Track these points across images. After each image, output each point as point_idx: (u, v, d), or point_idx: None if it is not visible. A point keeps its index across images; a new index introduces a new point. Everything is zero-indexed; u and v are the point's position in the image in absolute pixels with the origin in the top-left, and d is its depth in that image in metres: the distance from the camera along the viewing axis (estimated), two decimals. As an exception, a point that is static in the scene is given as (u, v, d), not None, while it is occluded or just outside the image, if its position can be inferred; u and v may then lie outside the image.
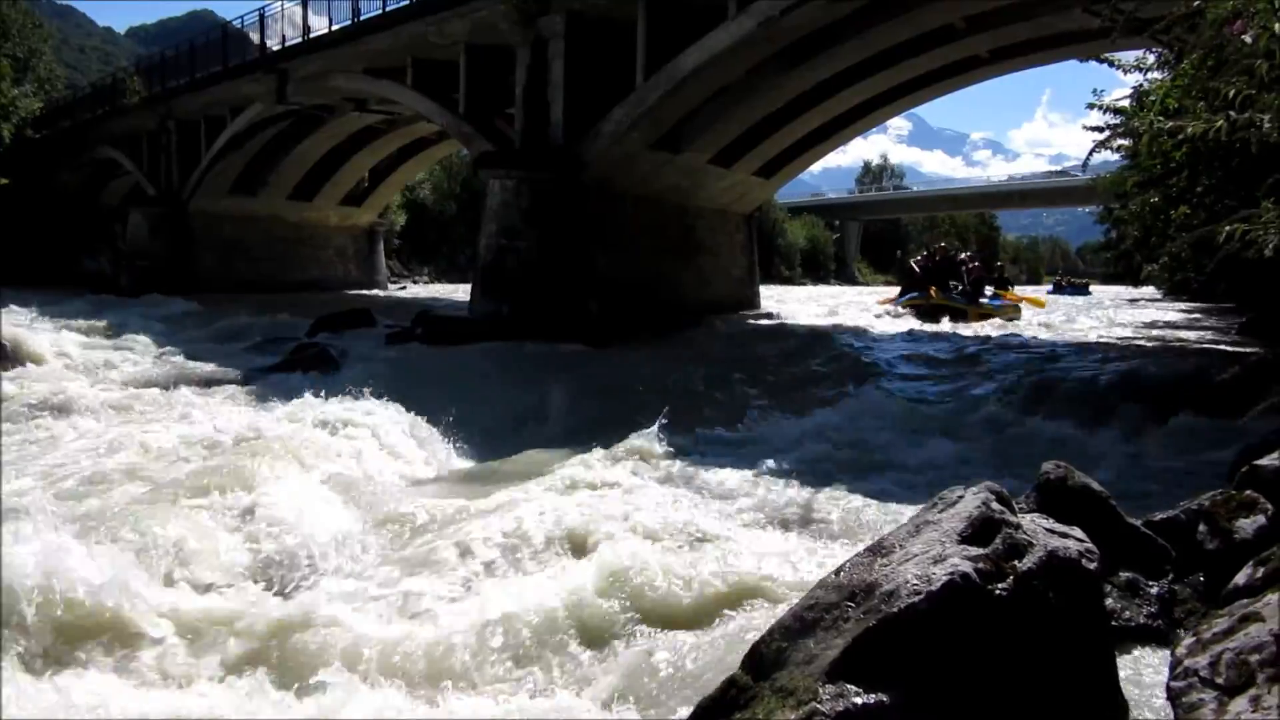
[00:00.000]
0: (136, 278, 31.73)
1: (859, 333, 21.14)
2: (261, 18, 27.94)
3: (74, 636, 3.92)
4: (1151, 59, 13.27)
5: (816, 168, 32.70)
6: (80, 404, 10.12)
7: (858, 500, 6.50)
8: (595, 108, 18.06)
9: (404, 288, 43.05)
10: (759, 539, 5.59)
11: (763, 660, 2.74)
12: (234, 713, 3.51)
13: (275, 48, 27.29)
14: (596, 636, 4.30)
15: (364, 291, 35.42)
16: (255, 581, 4.98)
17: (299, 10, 26.23)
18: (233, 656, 4.03)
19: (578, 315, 16.97)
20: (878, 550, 2.92)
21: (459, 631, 4.31)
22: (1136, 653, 3.18)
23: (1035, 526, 2.85)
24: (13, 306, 22.57)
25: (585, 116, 18.21)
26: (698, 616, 4.35)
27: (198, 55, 31.42)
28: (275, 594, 4.84)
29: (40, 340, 14.52)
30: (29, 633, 3.78)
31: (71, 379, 11.54)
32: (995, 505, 2.87)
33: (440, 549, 5.92)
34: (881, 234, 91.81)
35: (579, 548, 5.72)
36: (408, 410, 9.03)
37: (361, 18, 22.84)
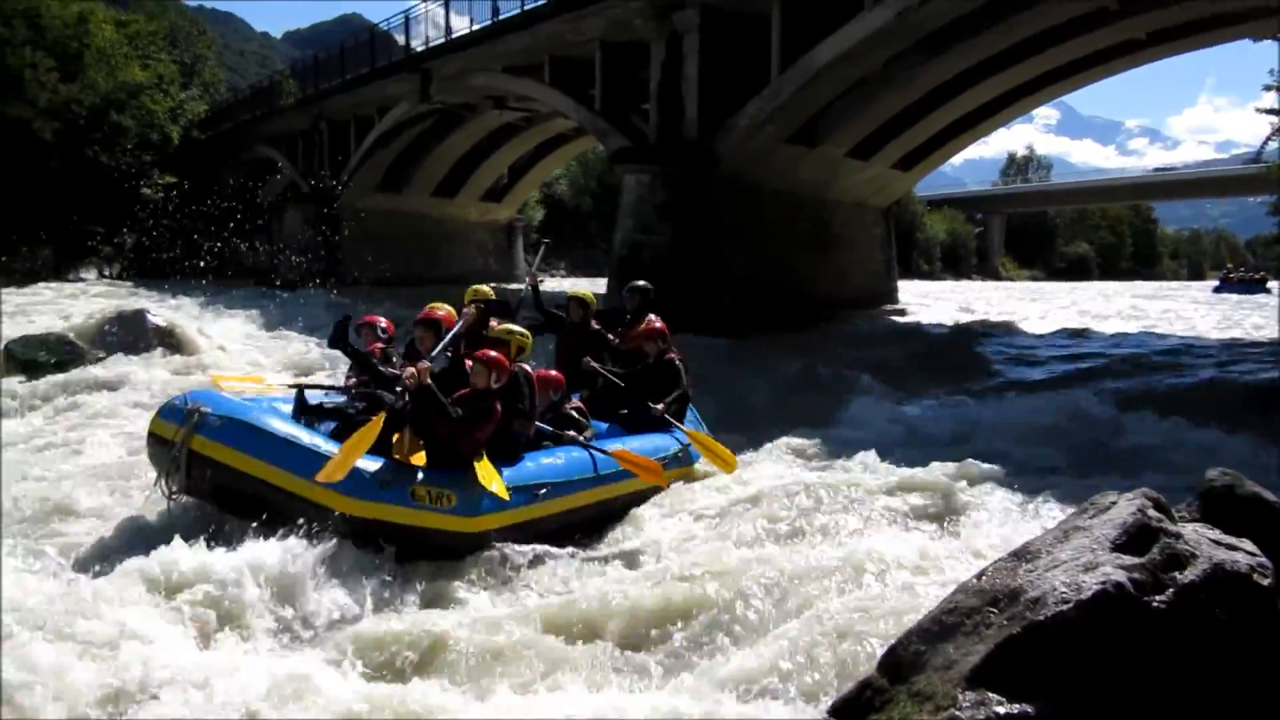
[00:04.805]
0: (291, 271, 33.31)
1: (1002, 331, 20.43)
2: (406, 20, 28.97)
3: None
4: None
5: (957, 159, 31.64)
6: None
7: (994, 503, 6.30)
8: (729, 102, 17.98)
9: (541, 281, 43.80)
10: (892, 539, 5.48)
11: (899, 663, 2.69)
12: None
13: (419, 48, 28.20)
14: (726, 631, 4.30)
15: (502, 285, 36.25)
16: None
17: (442, 11, 27.04)
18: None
19: (712, 309, 16.94)
20: (1022, 555, 2.83)
21: (589, 619, 4.39)
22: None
23: (1198, 537, 2.70)
24: (179, 297, 24.07)
25: (719, 111, 18.15)
26: (828, 614, 4.30)
27: (347, 57, 32.71)
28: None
29: (199, 330, 15.37)
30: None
31: (226, 368, 12.17)
32: (1152, 513, 2.74)
33: (574, 538, 6.04)
34: (1027, 227, 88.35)
35: (709, 541, 5.73)
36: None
37: (501, 17, 23.34)
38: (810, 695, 3.58)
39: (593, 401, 7.30)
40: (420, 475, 5.21)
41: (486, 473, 5.30)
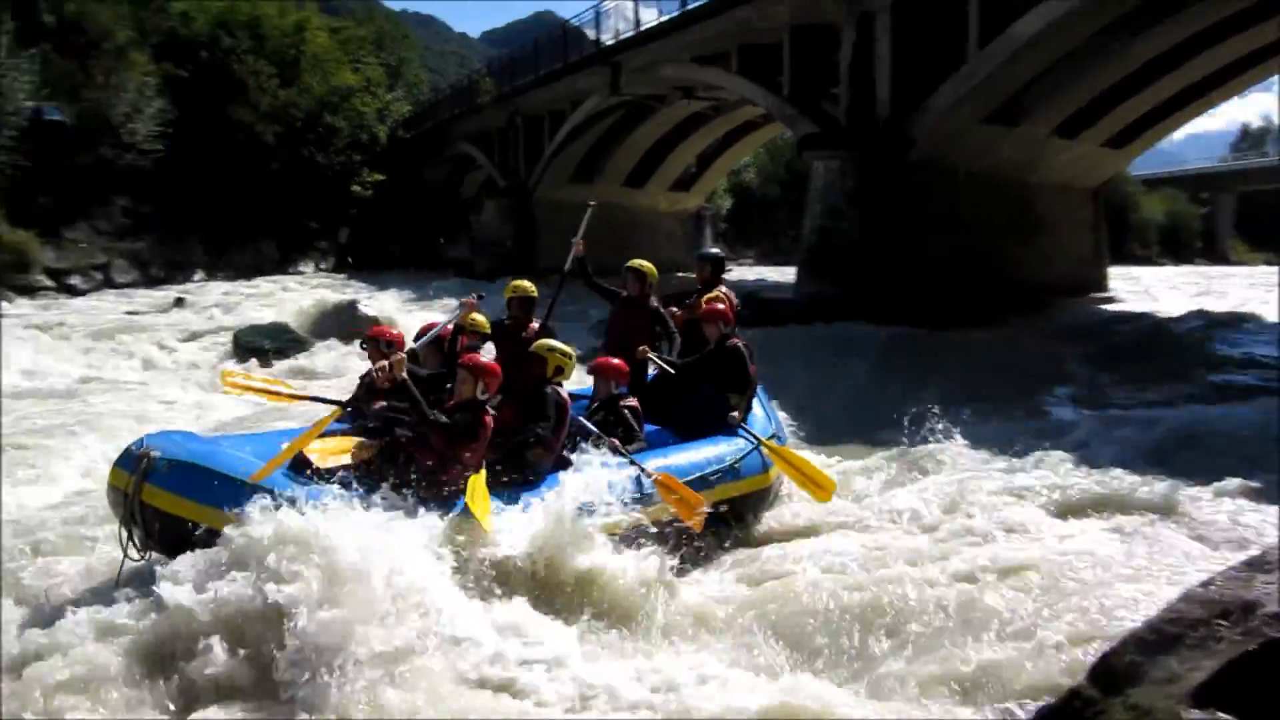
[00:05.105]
0: (489, 262, 34.67)
1: (1229, 322, 18.81)
2: (597, 15, 29.49)
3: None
4: None
5: (1179, 134, 29.33)
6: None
7: (1211, 511, 5.85)
8: (923, 83, 17.35)
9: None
10: (1090, 543, 5.20)
11: (1112, 673, 2.53)
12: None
13: (609, 42, 28.66)
14: (922, 632, 4.19)
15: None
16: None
17: (631, 5, 27.37)
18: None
19: (905, 297, 16.43)
20: (1257, 565, 2.60)
21: (780, 609, 4.36)
22: None
23: None
24: (387, 289, 25.50)
25: (912, 92, 17.54)
26: (1026, 619, 4.15)
27: (540, 54, 33.73)
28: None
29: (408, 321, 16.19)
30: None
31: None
32: None
33: (761, 529, 6.01)
34: (1264, 207, 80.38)
35: (894, 536, 5.58)
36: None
37: (689, 7, 23.41)
38: (1012, 701, 3.43)
39: (645, 397, 6.21)
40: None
41: (479, 501, 4.41)
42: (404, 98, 47.35)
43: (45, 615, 4.28)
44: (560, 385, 5.40)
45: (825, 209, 18.40)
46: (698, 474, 5.40)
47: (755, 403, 6.51)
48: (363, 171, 40.20)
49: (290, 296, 24.32)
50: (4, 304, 22.15)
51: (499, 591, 4.23)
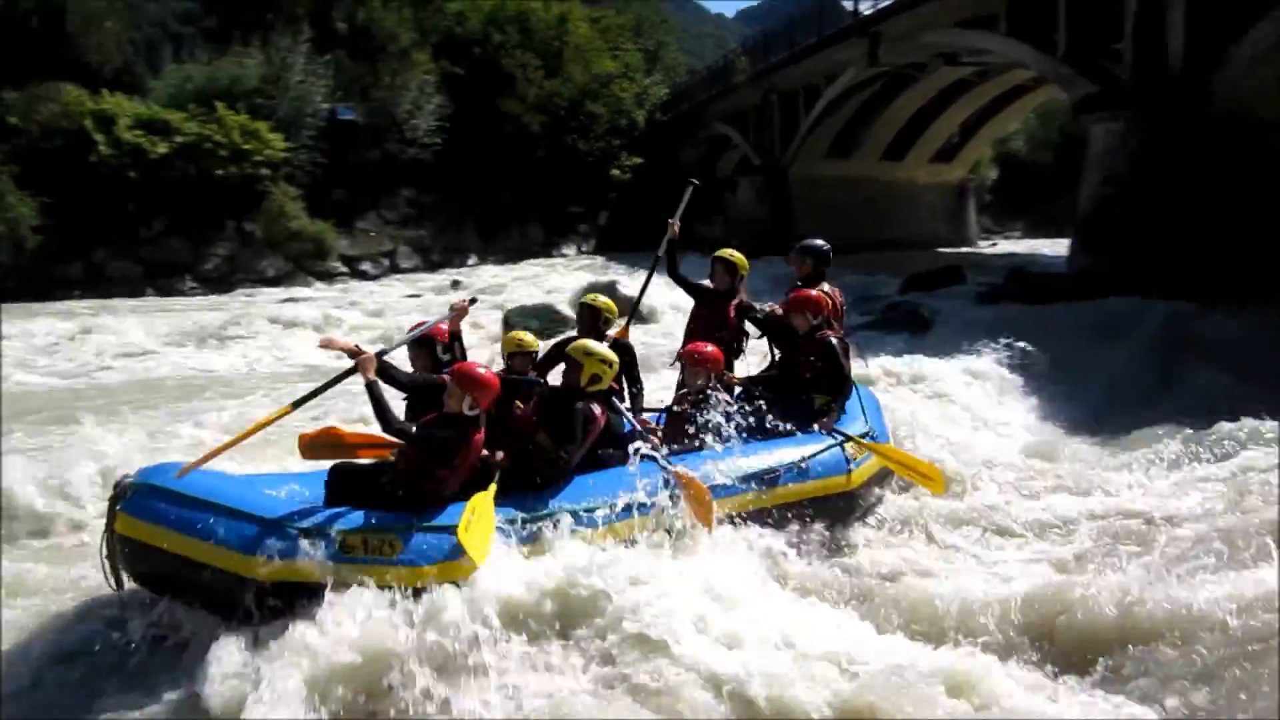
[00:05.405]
0: (744, 240, 34.73)
1: None
2: (855, -16, 28.66)
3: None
4: None
5: None
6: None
7: None
8: (1224, 30, 15.58)
9: (994, 244, 41.47)
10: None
11: None
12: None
13: (867, 12, 27.79)
14: (1159, 651, 3.90)
15: (953, 249, 34.88)
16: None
17: (891, -28, 26.37)
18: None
19: (1200, 270, 14.86)
20: None
21: (1041, 600, 4.25)
22: None
23: None
24: (644, 270, 26.13)
25: (1212, 42, 15.80)
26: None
27: (795, 29, 33.31)
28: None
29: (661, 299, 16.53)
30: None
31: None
32: None
33: (1027, 517, 5.73)
34: None
35: (1157, 538, 5.16)
36: (1005, 374, 8.76)
37: (953, -32, 22.28)
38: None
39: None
40: (359, 519, 4.27)
41: (476, 526, 4.14)
42: (661, 81, 48.25)
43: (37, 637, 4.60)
44: (596, 397, 4.91)
45: (1104, 176, 17.01)
46: (756, 472, 5.15)
47: (853, 402, 6.06)
48: (621, 156, 41.39)
49: (554, 278, 25.50)
50: (307, 288, 24.61)
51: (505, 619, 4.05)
